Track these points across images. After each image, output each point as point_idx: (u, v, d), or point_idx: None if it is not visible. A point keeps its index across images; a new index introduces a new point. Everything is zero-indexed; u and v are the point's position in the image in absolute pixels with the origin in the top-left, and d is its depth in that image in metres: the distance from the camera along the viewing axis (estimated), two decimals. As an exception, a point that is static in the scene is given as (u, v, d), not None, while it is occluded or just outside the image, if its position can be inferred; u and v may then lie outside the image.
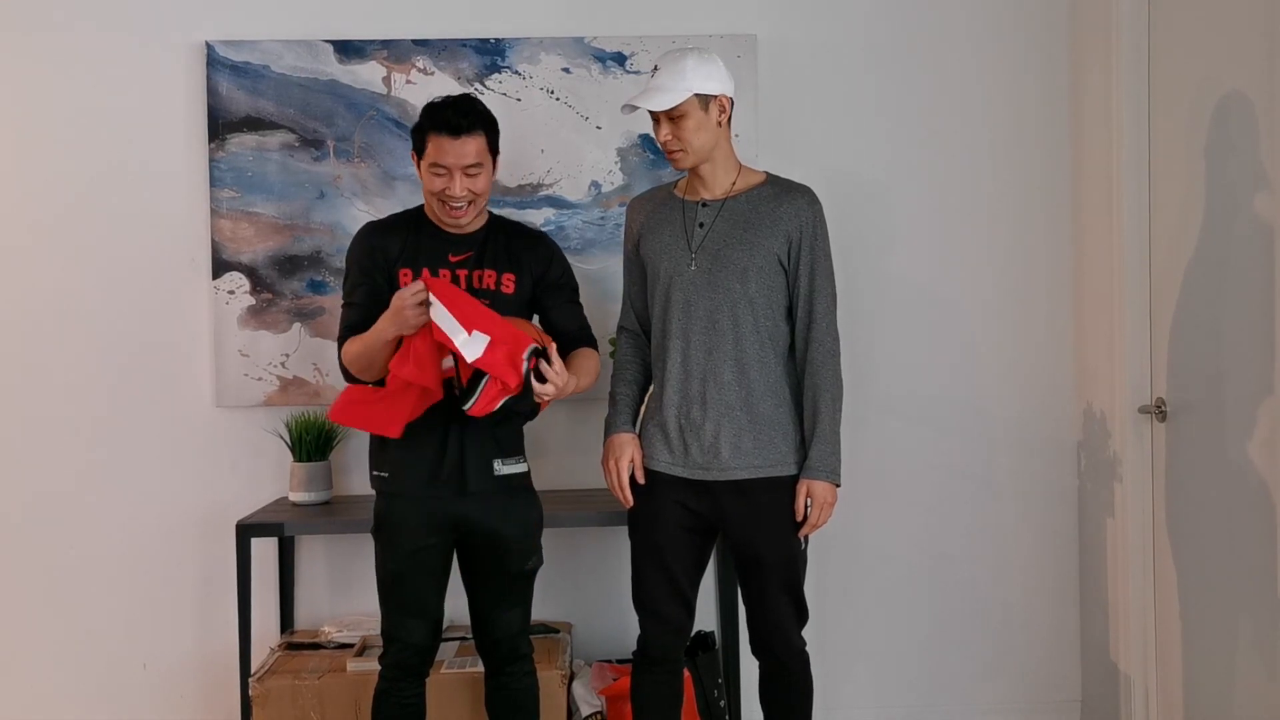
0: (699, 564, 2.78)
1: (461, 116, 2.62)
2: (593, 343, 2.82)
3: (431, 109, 2.67)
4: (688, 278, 2.68)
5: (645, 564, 2.76)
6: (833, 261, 2.75)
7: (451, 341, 2.46)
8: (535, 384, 2.51)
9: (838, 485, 2.69)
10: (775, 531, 2.69)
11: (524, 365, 2.49)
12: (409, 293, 2.51)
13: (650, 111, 2.64)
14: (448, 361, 2.57)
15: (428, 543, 2.70)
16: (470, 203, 2.67)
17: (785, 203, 2.69)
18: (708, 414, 2.67)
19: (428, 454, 2.68)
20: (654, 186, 2.94)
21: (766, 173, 2.79)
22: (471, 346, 2.46)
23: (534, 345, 2.53)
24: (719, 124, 2.66)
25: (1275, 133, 2.61)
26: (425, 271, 2.67)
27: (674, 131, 2.63)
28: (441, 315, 2.46)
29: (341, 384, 3.37)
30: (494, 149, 2.70)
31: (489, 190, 2.72)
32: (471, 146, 2.63)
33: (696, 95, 2.61)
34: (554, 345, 2.57)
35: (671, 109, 2.61)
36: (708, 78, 2.62)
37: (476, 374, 2.49)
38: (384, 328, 2.56)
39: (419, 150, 2.68)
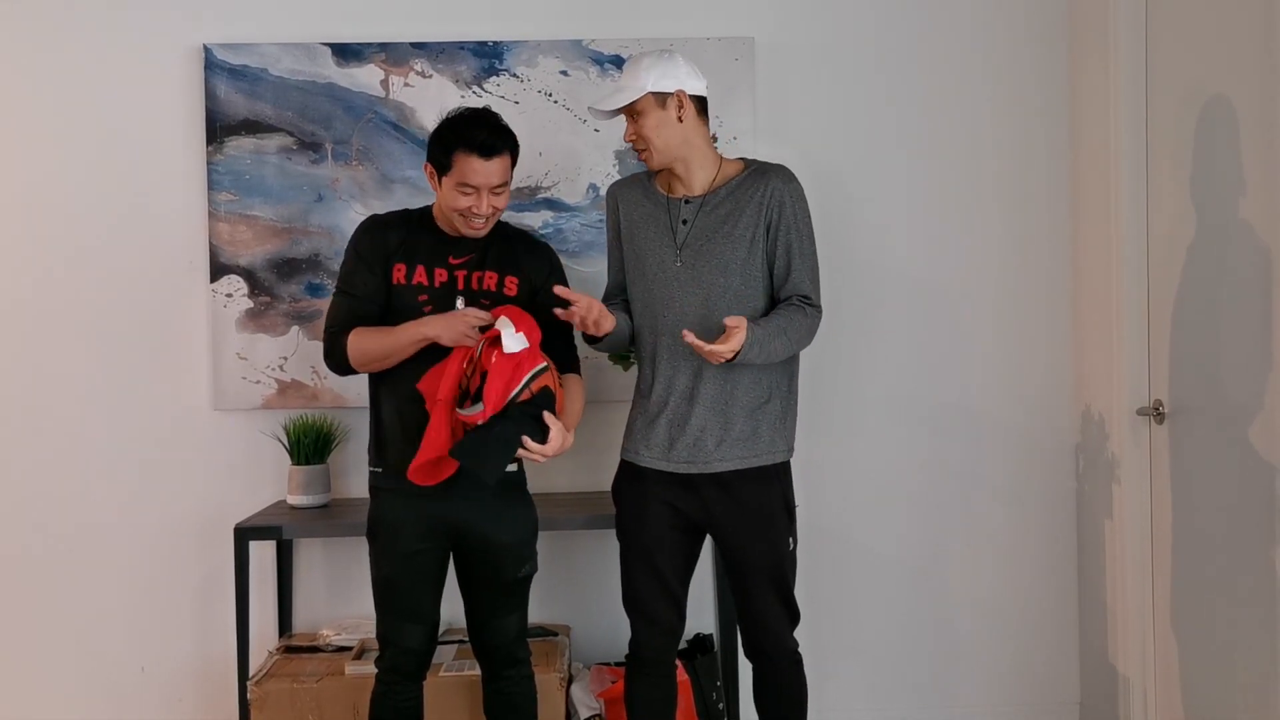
0: (688, 563, 2.79)
1: (494, 136, 2.62)
2: (577, 366, 2.82)
3: (459, 126, 2.64)
4: (672, 274, 2.70)
5: (635, 565, 2.76)
6: (818, 251, 2.75)
7: (500, 334, 2.53)
8: (524, 445, 2.53)
9: (734, 358, 2.55)
10: (761, 529, 2.69)
11: (514, 387, 2.52)
12: (475, 314, 2.58)
13: (625, 115, 2.72)
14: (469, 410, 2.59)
15: (422, 547, 2.70)
16: (489, 218, 2.69)
17: (759, 187, 2.70)
18: (694, 408, 2.68)
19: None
20: (634, 174, 2.93)
21: (743, 159, 2.80)
22: (510, 340, 2.53)
23: (540, 366, 2.56)
24: (679, 119, 2.67)
25: (1272, 136, 2.61)
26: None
27: (636, 130, 2.69)
28: (506, 326, 2.54)
29: (340, 383, 3.42)
30: (515, 164, 2.72)
31: (507, 204, 2.74)
32: (501, 167, 2.65)
33: (651, 93, 2.65)
34: (557, 426, 2.58)
35: (630, 108, 2.67)
36: (662, 75, 2.66)
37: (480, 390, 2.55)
38: (429, 329, 2.60)
39: (442, 166, 2.65)
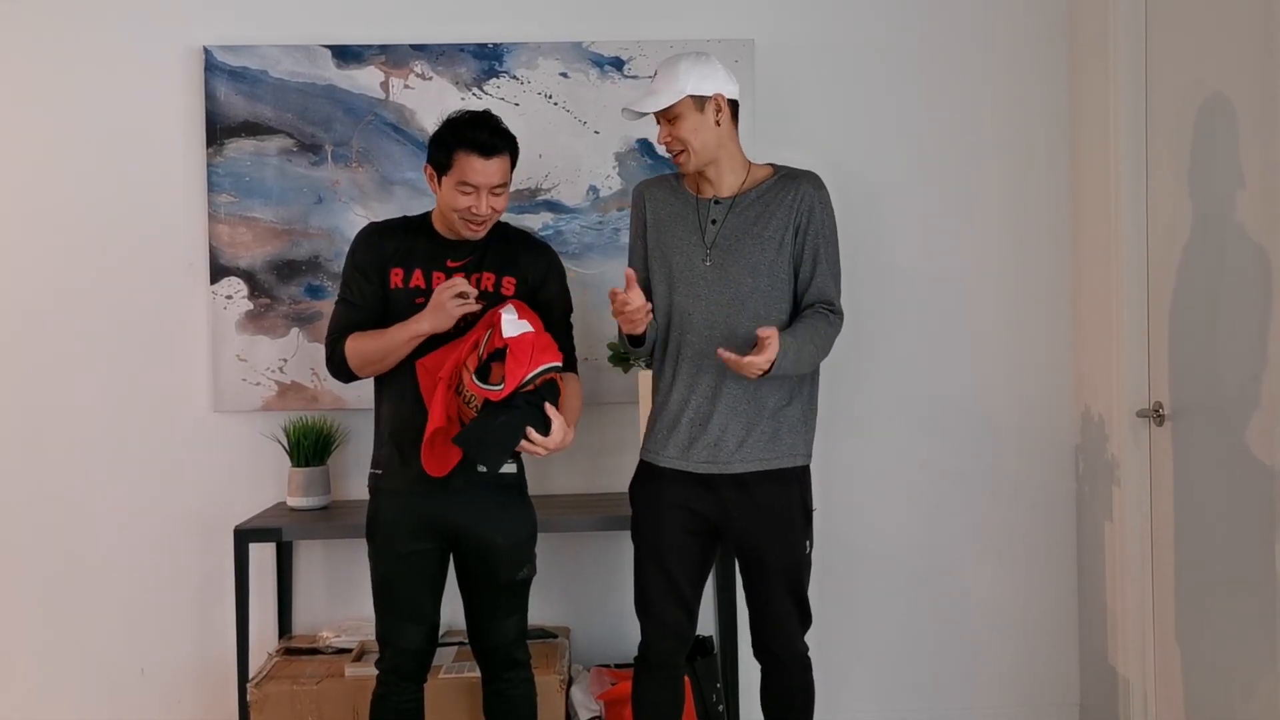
0: (702, 568, 2.78)
1: (494, 137, 2.63)
2: (575, 366, 2.81)
3: (459, 127, 2.65)
4: (699, 274, 2.70)
5: (648, 568, 2.75)
6: (839, 248, 2.76)
7: (500, 317, 2.53)
8: (527, 438, 2.52)
9: (768, 371, 2.54)
10: (779, 530, 2.69)
11: (532, 370, 2.51)
12: (450, 285, 2.59)
13: (654, 116, 2.69)
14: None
15: (418, 547, 2.70)
16: (488, 219, 2.69)
17: (790, 191, 2.71)
18: (716, 408, 2.68)
19: (418, 451, 2.66)
20: (662, 174, 2.93)
21: (772, 165, 2.80)
22: (512, 326, 2.53)
23: (553, 364, 2.56)
24: (717, 123, 2.67)
25: (1271, 136, 2.62)
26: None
27: (672, 133, 2.67)
28: (509, 314, 2.56)
29: (339, 385, 3.41)
30: (514, 166, 2.72)
31: (506, 206, 2.74)
32: (500, 167, 2.65)
33: (691, 96, 2.64)
34: (559, 420, 2.56)
35: (667, 110, 2.65)
36: (702, 78, 2.65)
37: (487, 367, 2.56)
38: (421, 325, 2.62)
39: (441, 166, 2.66)
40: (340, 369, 2.75)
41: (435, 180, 2.70)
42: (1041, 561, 3.64)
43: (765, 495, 2.68)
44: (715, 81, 2.66)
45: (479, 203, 2.64)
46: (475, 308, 2.63)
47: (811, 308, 2.70)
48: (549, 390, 2.57)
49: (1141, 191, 3.23)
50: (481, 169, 2.62)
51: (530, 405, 2.53)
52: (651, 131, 2.85)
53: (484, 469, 2.64)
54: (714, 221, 2.71)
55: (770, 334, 2.52)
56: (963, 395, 3.63)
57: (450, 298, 2.59)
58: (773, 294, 2.68)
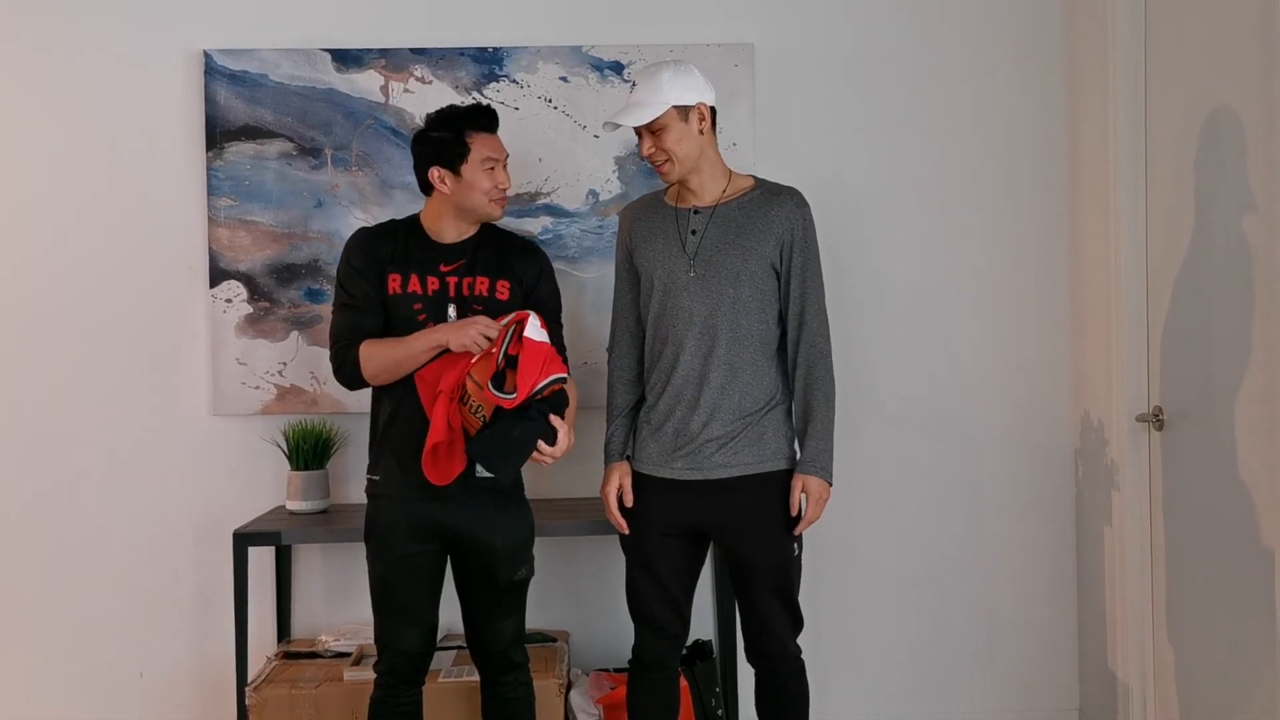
0: (691, 570, 2.79)
1: (492, 117, 2.77)
2: (566, 366, 2.81)
3: (457, 115, 2.75)
4: (682, 284, 2.71)
5: (638, 572, 2.77)
6: (821, 263, 2.79)
7: (527, 321, 2.57)
8: (539, 449, 2.55)
9: (830, 483, 2.73)
10: (766, 534, 2.70)
11: (542, 380, 2.53)
12: (485, 322, 2.61)
13: (634, 127, 2.69)
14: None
15: (416, 549, 2.71)
16: (505, 191, 2.79)
17: (775, 206, 2.72)
18: (699, 417, 2.69)
19: (417, 458, 2.66)
20: (645, 194, 2.95)
21: (754, 176, 2.82)
22: (536, 332, 2.57)
23: (561, 375, 2.58)
24: (700, 132, 2.68)
25: (1269, 146, 2.62)
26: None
27: (657, 144, 2.68)
28: (533, 317, 2.60)
29: (339, 389, 3.41)
30: None
31: None
32: (501, 141, 2.78)
33: (675, 107, 2.65)
34: (564, 429, 2.59)
35: (651, 123, 2.65)
36: (685, 89, 2.66)
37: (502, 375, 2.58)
38: (440, 337, 2.63)
39: (458, 156, 2.69)
40: (352, 377, 2.72)
41: (450, 176, 2.71)
42: (1041, 566, 3.64)
43: (750, 499, 2.69)
44: (697, 90, 2.68)
45: (502, 175, 2.74)
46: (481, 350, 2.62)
47: (805, 370, 2.74)
48: (559, 400, 2.58)
49: (1141, 196, 3.23)
50: (493, 142, 2.75)
51: (541, 414, 2.54)
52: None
53: (489, 474, 2.64)
54: (694, 232, 2.72)
55: (806, 488, 2.71)
56: (962, 399, 3.63)
57: (479, 335, 2.59)
58: (753, 304, 2.70)
